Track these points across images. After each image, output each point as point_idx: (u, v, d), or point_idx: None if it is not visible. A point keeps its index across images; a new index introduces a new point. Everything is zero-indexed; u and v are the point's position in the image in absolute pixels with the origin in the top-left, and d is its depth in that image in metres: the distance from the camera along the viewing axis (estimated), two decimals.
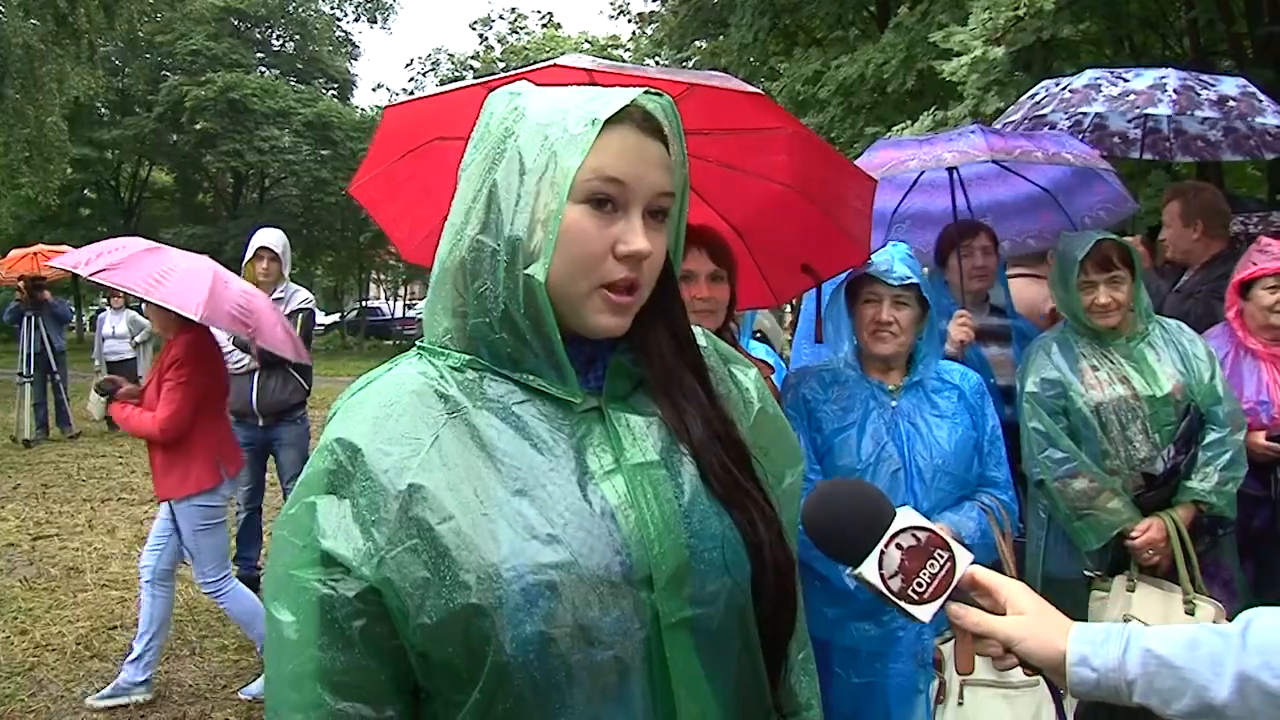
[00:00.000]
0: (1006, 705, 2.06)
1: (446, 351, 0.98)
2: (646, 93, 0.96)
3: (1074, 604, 2.67)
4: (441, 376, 0.96)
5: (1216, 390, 2.71)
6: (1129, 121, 4.34)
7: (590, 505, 0.92)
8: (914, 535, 0.96)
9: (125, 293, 11.74)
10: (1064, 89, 3.84)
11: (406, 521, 0.88)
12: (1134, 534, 2.59)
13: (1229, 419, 2.69)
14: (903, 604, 0.94)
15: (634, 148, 0.93)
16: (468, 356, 0.97)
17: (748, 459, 1.03)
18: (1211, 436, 2.67)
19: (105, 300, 11.83)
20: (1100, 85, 3.70)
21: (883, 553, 0.94)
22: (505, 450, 0.92)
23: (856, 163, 3.05)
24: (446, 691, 0.91)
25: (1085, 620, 2.61)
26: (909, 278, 2.22)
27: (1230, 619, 0.95)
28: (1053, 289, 2.86)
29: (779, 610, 1.02)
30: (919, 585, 0.95)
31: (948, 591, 0.96)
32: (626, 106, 0.93)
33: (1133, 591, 2.58)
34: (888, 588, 0.94)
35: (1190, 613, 2.49)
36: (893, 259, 2.25)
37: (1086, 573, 2.67)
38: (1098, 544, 2.63)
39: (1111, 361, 2.73)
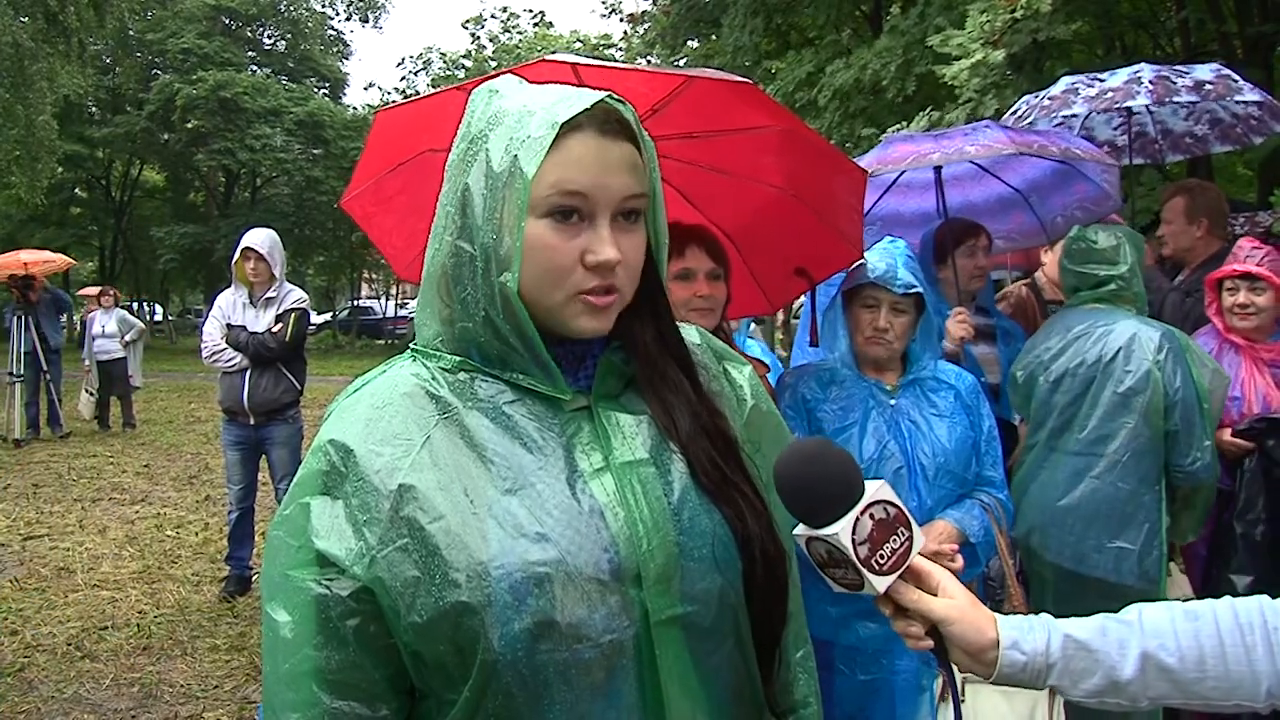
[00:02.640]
0: (1006, 702, 2.08)
1: (438, 353, 0.99)
2: (609, 98, 0.95)
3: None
4: (433, 378, 0.97)
5: None
6: (1115, 129, 4.38)
7: (579, 504, 0.93)
8: (885, 508, 0.98)
9: (115, 292, 11.78)
10: (1043, 99, 3.89)
11: (397, 521, 0.89)
12: None
13: None
14: (865, 571, 0.96)
15: (595, 154, 0.92)
16: (459, 358, 0.98)
17: (736, 452, 1.04)
18: None
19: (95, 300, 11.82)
20: (1078, 88, 3.76)
21: (858, 519, 0.96)
22: (496, 450, 0.93)
23: (870, 158, 3.02)
24: (439, 690, 0.92)
25: None
26: (913, 286, 2.20)
27: None
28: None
29: (771, 605, 1.03)
30: (881, 557, 0.97)
31: (902, 569, 0.99)
32: (590, 109, 0.92)
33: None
34: (856, 554, 0.95)
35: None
36: (896, 264, 2.22)
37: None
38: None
39: None
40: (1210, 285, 3.15)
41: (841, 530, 0.95)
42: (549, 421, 0.96)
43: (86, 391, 10.91)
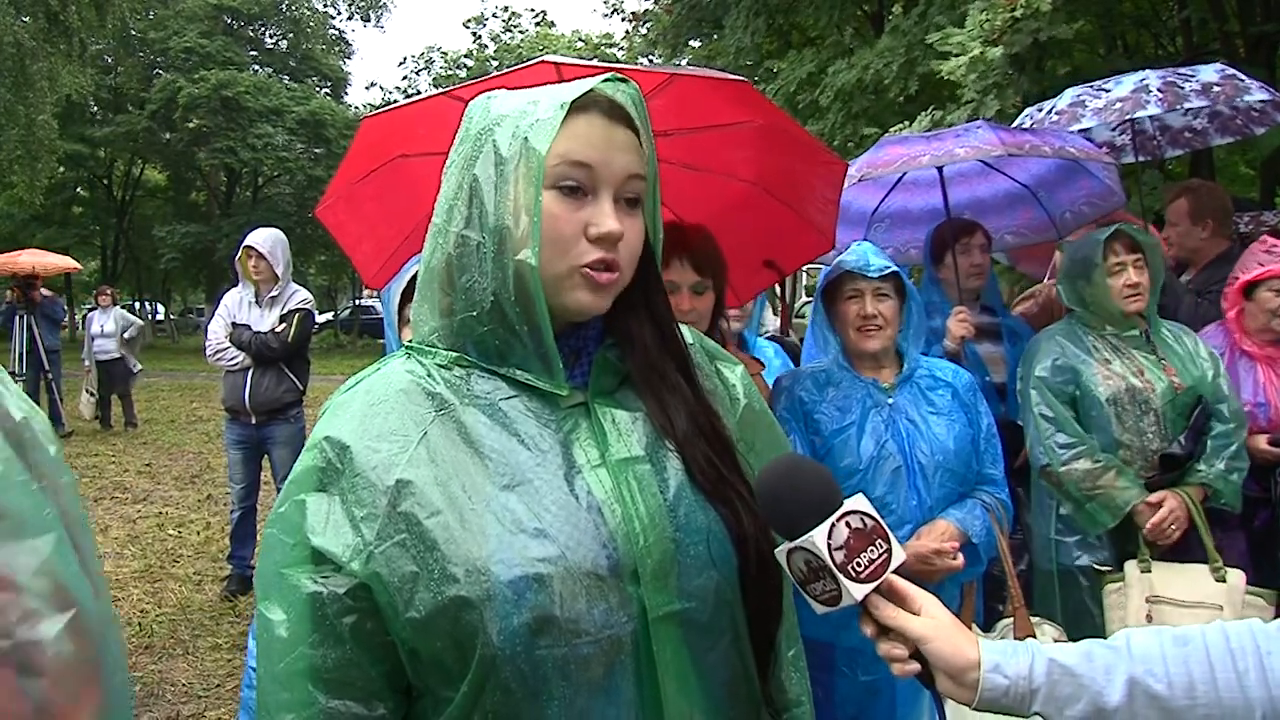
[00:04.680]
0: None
1: (434, 350, 0.99)
2: (611, 79, 0.98)
3: (1080, 594, 2.72)
4: (429, 374, 0.97)
5: (1221, 388, 2.73)
6: (1113, 130, 4.36)
7: (577, 500, 0.93)
8: (863, 519, 0.99)
9: (112, 291, 11.82)
10: (1049, 113, 3.86)
11: (395, 516, 0.89)
12: (1151, 502, 2.61)
13: (1234, 416, 2.72)
14: (841, 576, 0.96)
15: (600, 133, 0.96)
16: (454, 354, 0.98)
17: (732, 452, 1.05)
18: (1218, 429, 2.69)
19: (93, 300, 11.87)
20: (1084, 101, 3.72)
21: (833, 526, 0.97)
22: (493, 446, 0.94)
23: (862, 161, 3.03)
24: (435, 688, 0.91)
25: (1101, 612, 2.63)
26: (887, 267, 2.22)
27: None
28: (1066, 281, 2.85)
29: (766, 603, 1.03)
30: (858, 565, 0.98)
31: (880, 580, 0.99)
32: (592, 93, 0.95)
33: (1148, 573, 2.58)
34: (832, 559, 0.96)
35: (1221, 579, 2.50)
36: (865, 253, 2.25)
37: (1097, 566, 2.68)
38: (1113, 522, 2.62)
39: (1125, 355, 2.74)
40: (1240, 289, 3.02)
41: (817, 535, 0.96)
42: (546, 418, 0.97)
43: (87, 391, 10.90)
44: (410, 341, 1.02)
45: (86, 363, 11.01)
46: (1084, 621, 2.63)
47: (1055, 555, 2.81)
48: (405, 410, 0.94)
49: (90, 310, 11.54)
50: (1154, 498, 2.62)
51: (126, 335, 11.09)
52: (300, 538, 0.90)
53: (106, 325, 10.92)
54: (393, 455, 0.91)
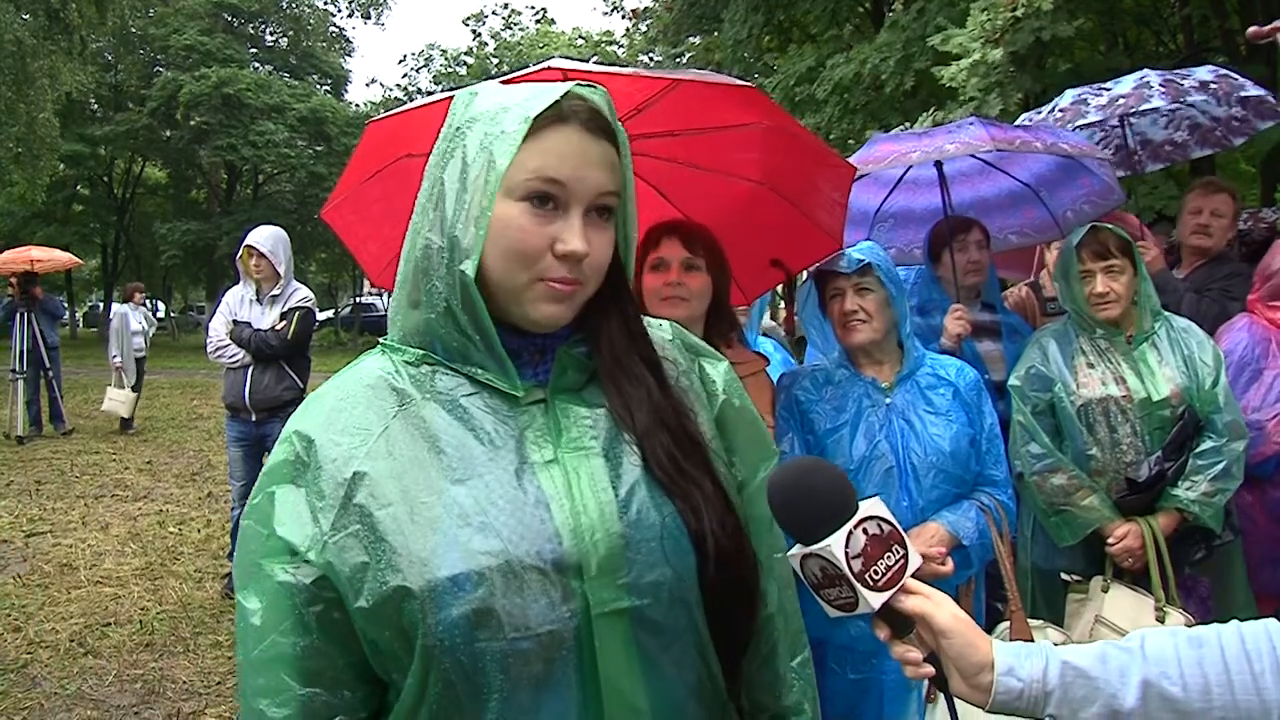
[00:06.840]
0: None
1: (404, 348, 1.01)
2: (580, 85, 0.97)
3: (1051, 598, 2.72)
4: (396, 371, 0.99)
5: (1218, 398, 2.58)
6: (1095, 142, 4.36)
7: (525, 494, 0.94)
8: (880, 525, 0.98)
9: (139, 290, 11.83)
10: (1052, 111, 3.88)
11: (349, 508, 0.91)
12: (1110, 539, 2.55)
13: (1228, 429, 2.57)
14: (859, 586, 0.96)
15: (576, 148, 0.95)
16: (423, 351, 1.00)
17: (699, 448, 1.03)
18: (1206, 445, 2.56)
19: (124, 299, 11.81)
20: (1086, 99, 3.74)
21: (850, 533, 0.96)
22: (449, 441, 0.95)
23: (855, 158, 3.03)
24: (397, 679, 0.93)
25: (1062, 619, 2.60)
26: (861, 260, 2.23)
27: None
28: (1056, 283, 2.83)
29: (729, 601, 1.01)
30: (875, 573, 0.97)
31: (897, 586, 0.98)
32: (572, 104, 0.95)
33: (1106, 592, 2.55)
34: (849, 567, 0.95)
35: (1161, 620, 2.42)
36: (844, 252, 2.28)
37: (1064, 576, 2.66)
38: (1073, 540, 2.61)
39: (1109, 361, 2.66)
40: None
41: (834, 543, 0.95)
42: (504, 415, 0.98)
43: (118, 387, 10.60)
44: (384, 339, 1.04)
45: (118, 359, 10.63)
46: (1058, 622, 2.61)
47: (1030, 554, 2.82)
48: (370, 405, 0.96)
49: (121, 307, 11.32)
50: (1117, 532, 2.56)
51: (150, 333, 11.16)
52: (272, 529, 0.93)
53: (143, 324, 11.01)
54: (353, 449, 0.93)
